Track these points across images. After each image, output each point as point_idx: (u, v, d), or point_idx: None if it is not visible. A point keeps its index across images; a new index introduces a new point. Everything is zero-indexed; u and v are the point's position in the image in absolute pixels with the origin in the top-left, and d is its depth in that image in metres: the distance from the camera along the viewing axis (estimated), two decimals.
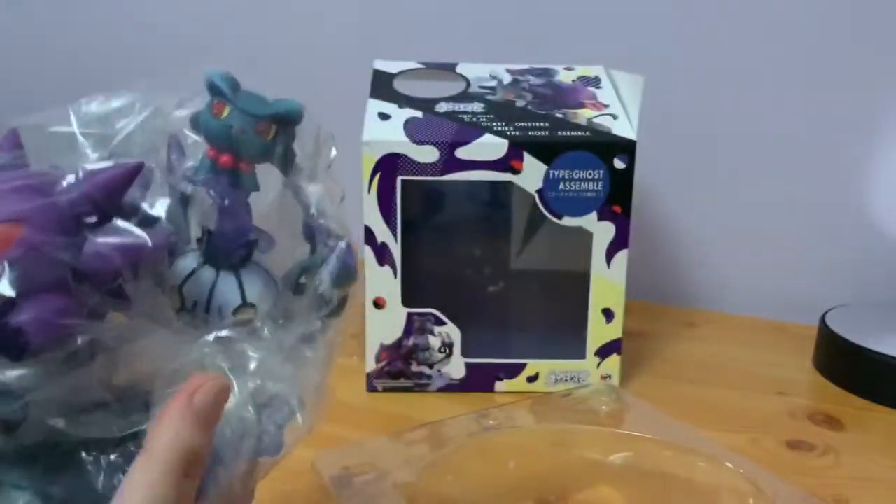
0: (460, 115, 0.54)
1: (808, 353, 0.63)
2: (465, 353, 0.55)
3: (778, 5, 0.67)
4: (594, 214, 0.53)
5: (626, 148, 0.52)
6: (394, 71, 0.59)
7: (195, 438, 0.23)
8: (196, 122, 0.28)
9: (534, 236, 0.65)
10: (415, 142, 0.51)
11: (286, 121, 0.28)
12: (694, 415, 0.53)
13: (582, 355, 0.55)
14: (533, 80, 0.59)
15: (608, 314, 0.55)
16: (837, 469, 0.47)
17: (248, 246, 0.28)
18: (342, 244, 0.29)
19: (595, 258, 0.53)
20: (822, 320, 0.61)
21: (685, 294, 0.77)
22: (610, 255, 0.53)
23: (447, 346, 0.55)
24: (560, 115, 0.54)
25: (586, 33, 0.74)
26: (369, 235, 0.53)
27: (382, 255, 0.53)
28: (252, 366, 0.26)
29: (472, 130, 0.52)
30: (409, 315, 0.54)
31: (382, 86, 0.57)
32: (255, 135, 0.27)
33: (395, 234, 0.53)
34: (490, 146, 0.52)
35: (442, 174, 0.52)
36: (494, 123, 0.53)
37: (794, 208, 0.71)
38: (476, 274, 0.65)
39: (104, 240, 0.24)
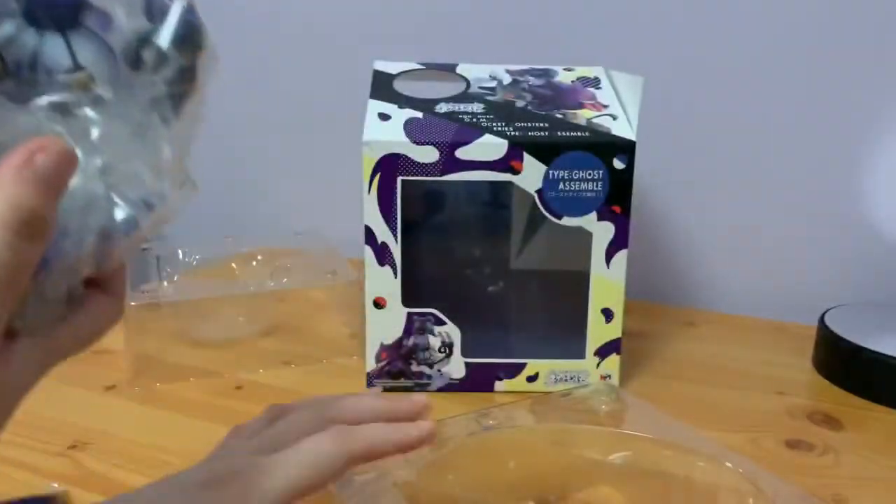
0: (460, 116, 0.54)
1: (807, 352, 0.63)
2: (464, 353, 0.55)
3: (778, 6, 0.68)
4: (594, 214, 0.53)
5: (626, 148, 0.52)
6: (394, 71, 0.59)
7: (34, 200, 0.21)
8: None
9: (533, 236, 0.65)
10: (415, 142, 0.51)
11: None
12: (693, 414, 0.53)
13: (582, 355, 0.55)
14: (533, 80, 0.59)
15: (608, 314, 0.55)
16: (836, 469, 0.47)
17: (76, 5, 0.24)
18: (182, 2, 0.25)
19: (595, 258, 0.54)
20: (822, 320, 0.61)
21: (684, 294, 0.77)
22: (609, 255, 0.53)
23: (447, 346, 0.55)
24: (560, 116, 0.54)
25: (586, 34, 0.74)
26: (369, 235, 0.53)
27: (383, 255, 0.53)
28: (94, 134, 0.24)
29: (471, 131, 0.52)
30: (410, 315, 0.55)
31: (382, 86, 0.57)
32: None
33: (395, 234, 0.53)
34: (490, 146, 0.52)
35: (442, 174, 0.52)
36: (494, 124, 0.53)
37: (793, 208, 0.71)
38: (476, 274, 0.65)
39: None
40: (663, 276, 0.77)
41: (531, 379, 0.56)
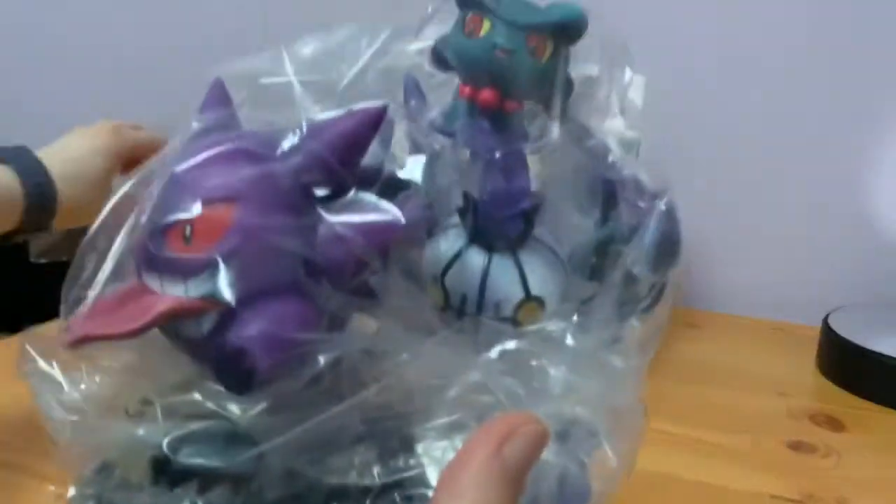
0: None
1: (810, 354, 0.62)
2: None
3: (780, 6, 0.67)
4: None
5: (628, 147, 0.51)
6: None
7: (501, 502, 0.16)
8: (441, 52, 0.20)
9: None
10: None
11: (566, 32, 0.20)
12: (695, 416, 0.52)
13: None
14: None
15: None
16: (839, 470, 0.46)
17: (528, 216, 0.20)
18: (661, 204, 0.20)
19: None
20: (825, 321, 0.61)
21: (687, 295, 0.76)
22: None
23: None
24: None
25: (587, 32, 0.73)
26: None
27: None
28: (556, 389, 0.19)
29: None
30: None
31: None
32: (527, 55, 0.19)
33: None
34: None
35: None
36: None
37: (796, 209, 0.71)
38: None
39: (343, 219, 0.17)
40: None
41: None
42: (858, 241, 0.69)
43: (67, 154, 0.50)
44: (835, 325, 0.59)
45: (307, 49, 0.21)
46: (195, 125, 0.20)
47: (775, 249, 0.73)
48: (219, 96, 0.20)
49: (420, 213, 0.18)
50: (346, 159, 0.17)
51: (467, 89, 0.20)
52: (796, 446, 0.49)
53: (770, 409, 0.54)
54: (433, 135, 0.19)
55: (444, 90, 0.20)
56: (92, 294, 0.19)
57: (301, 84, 0.20)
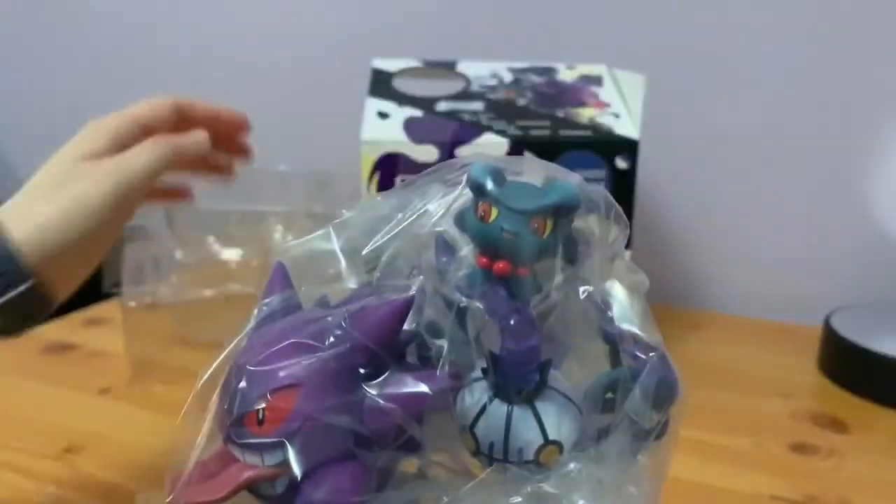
0: (460, 114, 0.53)
1: (812, 354, 0.62)
2: None
3: (780, 5, 0.67)
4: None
5: (629, 147, 0.51)
6: (393, 69, 0.58)
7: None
8: (461, 223, 0.24)
9: None
10: (414, 141, 0.51)
11: (563, 211, 0.24)
12: (697, 417, 0.52)
13: None
14: (534, 78, 0.59)
15: None
16: (842, 472, 0.46)
17: (542, 371, 0.23)
18: (654, 357, 0.24)
19: None
20: (826, 322, 0.61)
21: (688, 295, 0.76)
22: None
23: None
24: (561, 114, 0.54)
25: (588, 31, 0.73)
26: None
27: None
28: None
29: (472, 129, 0.52)
30: None
31: (382, 84, 0.57)
32: (530, 234, 0.23)
33: None
34: (491, 145, 0.51)
35: None
36: (495, 122, 0.52)
37: (797, 209, 0.71)
38: None
39: (383, 392, 0.22)
40: (667, 277, 0.76)
41: None
42: (860, 241, 0.69)
43: (37, 212, 0.36)
44: (836, 325, 0.59)
45: (352, 223, 0.26)
46: (263, 309, 0.25)
47: (776, 249, 0.72)
48: (281, 280, 0.25)
49: (445, 383, 0.22)
50: (383, 342, 0.22)
51: (484, 260, 0.24)
52: (798, 447, 0.49)
53: (772, 410, 0.54)
54: (458, 295, 0.23)
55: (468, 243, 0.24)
56: (190, 462, 0.23)
57: (346, 257, 0.25)
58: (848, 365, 0.57)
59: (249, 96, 0.90)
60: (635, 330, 0.24)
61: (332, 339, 0.22)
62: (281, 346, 0.22)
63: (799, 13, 0.67)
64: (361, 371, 0.22)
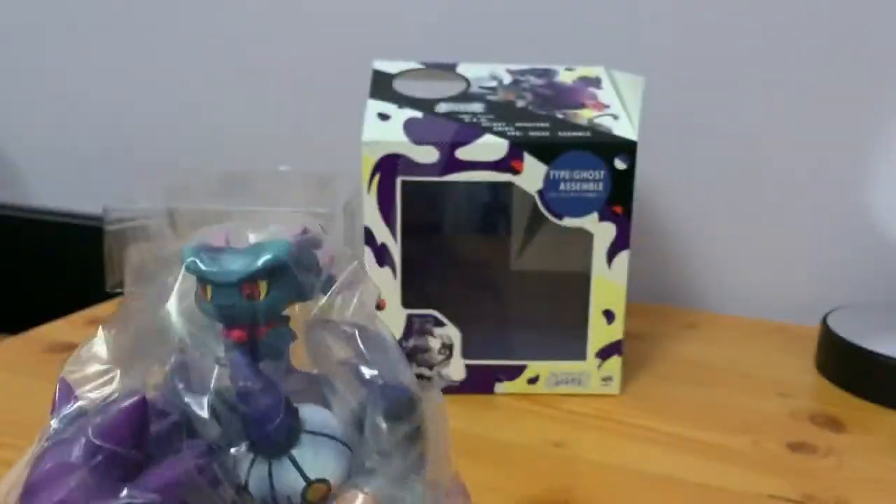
0: (460, 116, 0.54)
1: (809, 354, 0.62)
2: (465, 355, 0.55)
3: (779, 6, 0.67)
4: (595, 215, 0.52)
5: (627, 148, 0.51)
6: (394, 71, 0.59)
7: None
8: (199, 306, 0.25)
9: (534, 237, 0.65)
10: (414, 142, 0.51)
11: (272, 272, 0.24)
12: (695, 416, 0.52)
13: (583, 357, 0.55)
14: (533, 80, 0.59)
15: (609, 315, 0.54)
16: (839, 471, 0.46)
17: (287, 425, 0.24)
18: (378, 386, 0.25)
19: (596, 259, 0.53)
20: (824, 321, 0.61)
21: (686, 295, 0.77)
22: (611, 256, 0.53)
23: (447, 348, 0.55)
24: (560, 116, 0.54)
25: (587, 34, 0.74)
26: (369, 236, 0.53)
27: (382, 255, 0.53)
28: None
29: (472, 131, 0.52)
30: (409, 316, 0.54)
31: (382, 86, 0.57)
32: (245, 302, 0.24)
33: (394, 235, 0.53)
34: (490, 147, 0.51)
35: (442, 175, 0.52)
36: (495, 124, 0.53)
37: (795, 209, 0.71)
38: (476, 275, 0.65)
39: (144, 489, 0.22)
40: (665, 277, 0.77)
41: (532, 381, 0.55)
42: (858, 241, 0.69)
43: None
44: (834, 325, 0.59)
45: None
46: (52, 427, 0.24)
47: (774, 250, 0.73)
48: (64, 396, 0.25)
49: (189, 462, 0.22)
50: (130, 443, 0.22)
51: (224, 332, 0.25)
52: (796, 447, 0.49)
53: (770, 410, 0.54)
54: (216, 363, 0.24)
55: None
56: None
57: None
58: (846, 365, 0.57)
59: (250, 97, 0.90)
60: (354, 361, 0.25)
61: (78, 452, 0.22)
62: (48, 470, 0.22)
63: (799, 14, 0.67)
64: (124, 474, 0.22)
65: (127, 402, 0.22)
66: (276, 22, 0.86)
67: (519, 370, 0.55)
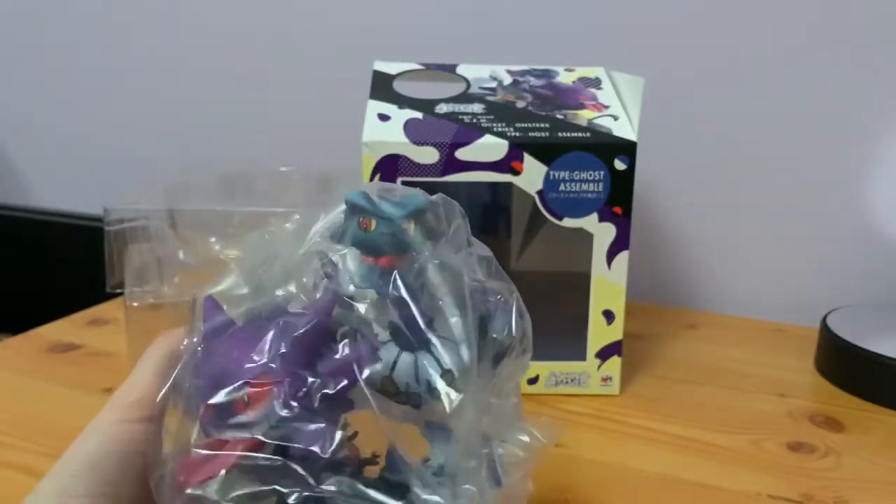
0: (460, 116, 0.54)
1: (809, 354, 0.63)
2: None
3: (779, 7, 0.67)
4: (595, 215, 0.52)
5: (627, 149, 0.51)
6: (394, 72, 0.59)
7: None
8: (340, 239, 0.31)
9: (534, 237, 0.65)
10: (415, 143, 0.51)
11: (418, 214, 0.31)
12: (694, 416, 0.52)
13: (583, 357, 0.55)
14: (533, 80, 0.59)
15: (609, 316, 0.54)
16: (838, 471, 0.46)
17: (428, 329, 0.30)
18: (501, 298, 0.33)
19: (595, 259, 0.53)
20: (823, 322, 0.61)
21: (686, 295, 0.77)
22: (611, 257, 0.53)
23: None
24: (560, 116, 0.54)
25: (587, 34, 0.74)
26: None
27: None
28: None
29: (472, 131, 0.52)
30: None
31: (382, 87, 0.57)
32: (402, 234, 0.30)
33: None
34: (490, 147, 0.51)
35: (442, 175, 0.52)
36: (494, 124, 0.53)
37: (794, 210, 0.71)
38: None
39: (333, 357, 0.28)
40: (664, 277, 0.77)
41: (532, 381, 0.56)
42: (857, 241, 0.70)
43: None
44: (833, 325, 0.59)
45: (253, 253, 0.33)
46: (202, 331, 0.29)
47: (774, 251, 0.73)
48: (213, 307, 0.29)
49: (369, 352, 0.28)
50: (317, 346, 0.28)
51: (370, 259, 0.30)
52: (795, 446, 0.49)
53: (769, 410, 0.54)
54: (355, 290, 0.30)
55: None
56: (183, 450, 0.27)
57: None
58: (845, 365, 0.58)
59: (251, 98, 0.90)
60: (488, 285, 0.33)
61: (293, 320, 0.28)
62: (247, 339, 0.28)
63: (799, 13, 0.67)
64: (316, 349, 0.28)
65: (328, 295, 0.29)
66: (277, 22, 0.87)
67: None
